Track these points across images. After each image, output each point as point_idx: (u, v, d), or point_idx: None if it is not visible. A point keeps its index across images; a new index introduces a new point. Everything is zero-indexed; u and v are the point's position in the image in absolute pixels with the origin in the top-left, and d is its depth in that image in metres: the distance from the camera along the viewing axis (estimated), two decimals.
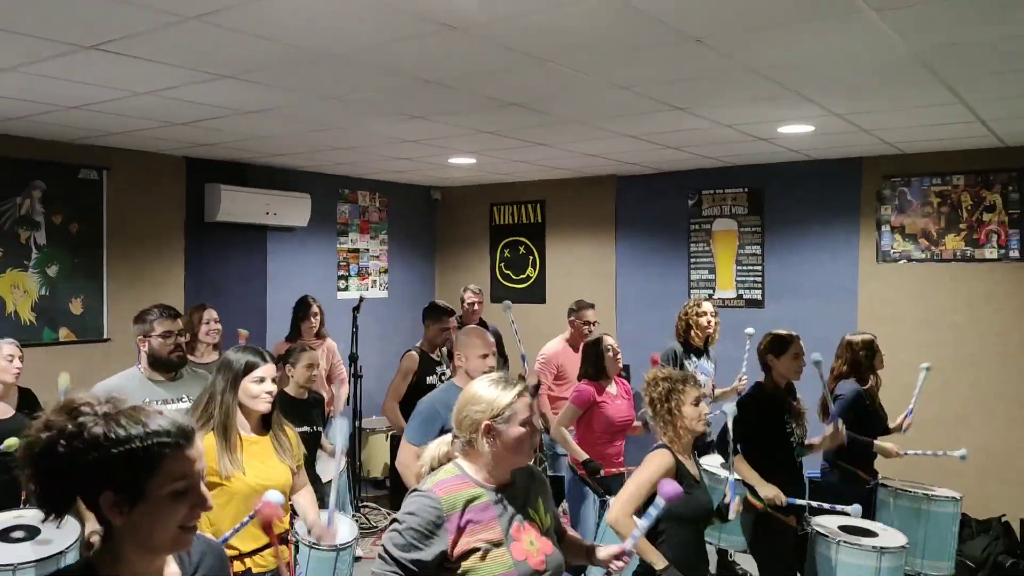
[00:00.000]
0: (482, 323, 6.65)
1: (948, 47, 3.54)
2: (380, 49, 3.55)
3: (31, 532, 3.64)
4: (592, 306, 6.12)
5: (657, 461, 3.17)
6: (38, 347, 5.70)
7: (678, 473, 3.14)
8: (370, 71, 3.93)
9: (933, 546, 4.54)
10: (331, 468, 3.29)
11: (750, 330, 5.53)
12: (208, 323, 5.27)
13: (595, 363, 4.85)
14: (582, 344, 5.21)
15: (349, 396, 6.56)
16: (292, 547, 3.20)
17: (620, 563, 2.50)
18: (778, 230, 7.12)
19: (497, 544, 2.26)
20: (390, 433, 7.07)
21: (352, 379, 6.77)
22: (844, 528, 4.12)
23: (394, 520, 2.29)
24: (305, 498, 3.33)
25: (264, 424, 3.14)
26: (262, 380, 3.08)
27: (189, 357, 4.48)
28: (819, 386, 4.62)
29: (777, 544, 4.07)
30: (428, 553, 2.21)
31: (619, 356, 4.92)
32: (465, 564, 2.25)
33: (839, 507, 3.92)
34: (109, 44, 3.48)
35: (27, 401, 4.51)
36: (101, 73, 3.98)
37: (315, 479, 4.48)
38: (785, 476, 4.07)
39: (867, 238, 6.68)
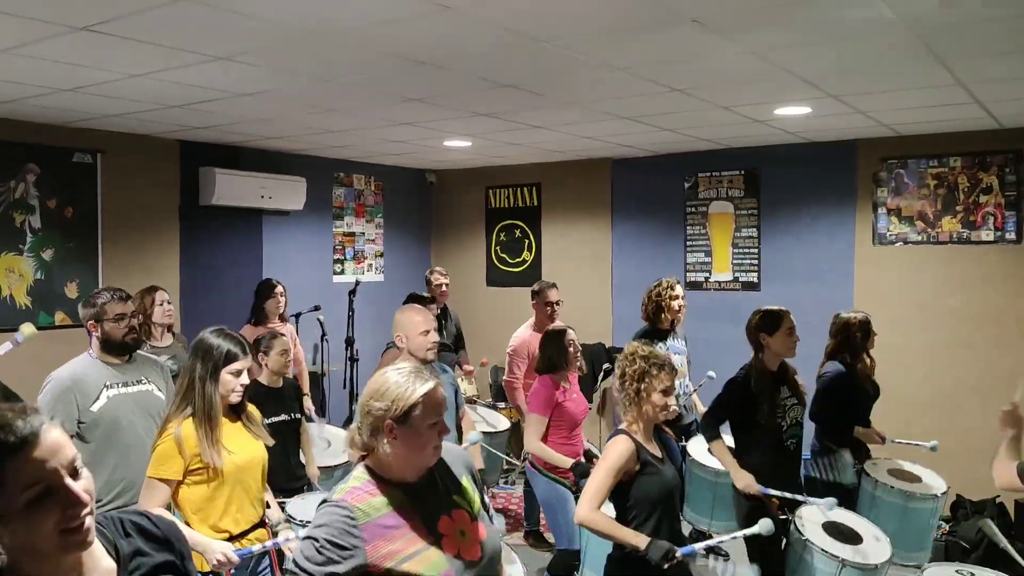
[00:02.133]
0: (444, 308, 6.68)
1: (947, 27, 3.53)
2: (374, 29, 3.53)
3: None
4: (554, 285, 6.03)
5: (617, 449, 3.12)
6: None
7: (639, 456, 3.12)
8: (365, 52, 3.91)
9: (910, 540, 4.41)
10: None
11: (712, 374, 5.43)
12: (161, 304, 5.13)
13: (555, 356, 4.57)
14: (542, 333, 4.89)
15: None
16: (270, 531, 3.21)
17: None
18: (774, 212, 7.12)
19: (425, 546, 2.09)
20: None
21: (348, 363, 6.77)
22: (829, 525, 3.98)
23: (308, 537, 2.07)
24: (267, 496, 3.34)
25: (233, 410, 3.15)
26: (239, 373, 3.06)
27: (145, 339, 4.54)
28: (814, 367, 4.66)
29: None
30: (344, 567, 2.01)
31: (579, 352, 4.66)
32: (395, 571, 2.06)
33: (812, 500, 3.85)
34: (101, 25, 3.45)
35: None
36: (93, 55, 3.95)
37: (297, 465, 4.47)
38: (773, 460, 4.04)
39: (863, 220, 6.67)
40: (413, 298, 5.73)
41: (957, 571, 3.85)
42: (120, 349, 3.61)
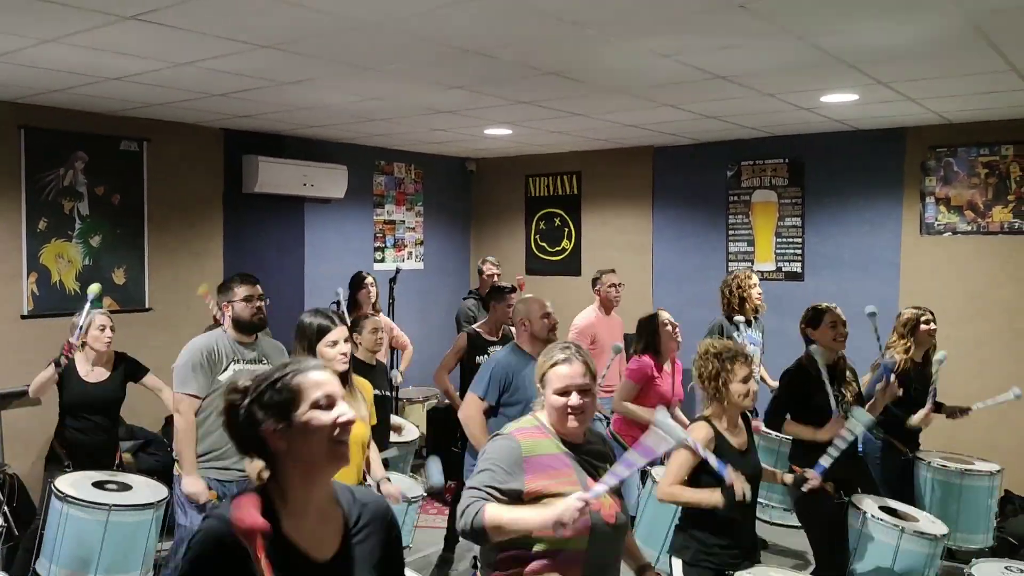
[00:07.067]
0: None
1: (1002, 12, 3.43)
2: (417, 18, 3.53)
3: (123, 487, 4.18)
4: (612, 271, 6.37)
5: (696, 435, 3.19)
6: None
7: (718, 445, 3.18)
8: (406, 40, 3.91)
9: (968, 520, 4.53)
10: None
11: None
12: None
13: (650, 339, 4.84)
14: (638, 320, 5.08)
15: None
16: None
17: None
18: (819, 202, 7.00)
19: (573, 489, 2.34)
20: (427, 404, 7.12)
21: (389, 350, 6.82)
22: (886, 509, 4.10)
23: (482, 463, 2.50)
24: (372, 456, 3.67)
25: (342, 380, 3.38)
26: (335, 343, 3.36)
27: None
28: (860, 357, 4.57)
29: (818, 509, 4.07)
30: (507, 485, 2.37)
31: (677, 330, 4.90)
32: (545, 502, 2.35)
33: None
34: (149, 14, 3.49)
35: (124, 363, 4.80)
36: (141, 44, 4.01)
37: (383, 435, 4.75)
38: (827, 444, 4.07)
39: (910, 210, 6.54)
40: (496, 289, 5.80)
41: (1006, 567, 3.79)
42: (248, 328, 3.99)
